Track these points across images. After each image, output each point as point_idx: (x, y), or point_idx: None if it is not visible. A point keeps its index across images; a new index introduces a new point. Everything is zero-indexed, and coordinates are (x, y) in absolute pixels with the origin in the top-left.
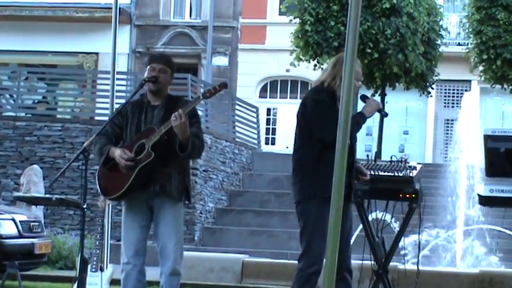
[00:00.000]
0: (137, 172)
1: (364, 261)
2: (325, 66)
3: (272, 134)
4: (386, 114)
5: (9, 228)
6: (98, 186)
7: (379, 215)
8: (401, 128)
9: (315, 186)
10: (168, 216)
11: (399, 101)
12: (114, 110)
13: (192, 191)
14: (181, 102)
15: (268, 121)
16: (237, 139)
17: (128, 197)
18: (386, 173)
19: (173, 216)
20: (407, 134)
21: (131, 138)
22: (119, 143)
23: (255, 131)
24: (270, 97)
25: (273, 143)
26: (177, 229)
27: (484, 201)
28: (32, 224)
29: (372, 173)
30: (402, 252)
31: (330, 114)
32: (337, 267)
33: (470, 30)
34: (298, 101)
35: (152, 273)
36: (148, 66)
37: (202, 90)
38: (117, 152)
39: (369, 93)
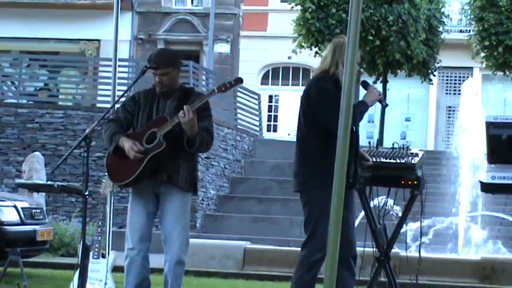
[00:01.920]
0: (147, 160)
1: (366, 248)
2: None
3: (274, 121)
4: (386, 105)
5: (11, 215)
6: (107, 171)
7: (381, 201)
8: (403, 115)
9: (321, 175)
10: (174, 205)
11: (401, 88)
12: (116, 96)
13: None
14: (194, 94)
15: (270, 108)
16: (238, 126)
17: (136, 184)
18: (388, 160)
19: (179, 204)
20: (409, 121)
21: (141, 126)
22: (129, 130)
23: (257, 118)
24: (271, 84)
25: (274, 130)
26: (182, 218)
27: (486, 188)
28: (34, 211)
29: (374, 160)
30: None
31: (336, 103)
32: (341, 253)
33: (472, 17)
34: (300, 88)
35: (156, 261)
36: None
37: (204, 78)
38: (127, 143)
39: (370, 80)
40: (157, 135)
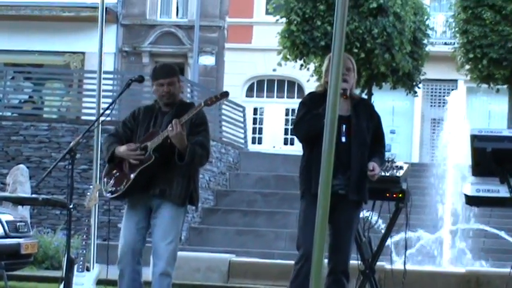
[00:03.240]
0: (137, 174)
1: (351, 261)
2: (311, 66)
3: (259, 134)
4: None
5: None
6: (106, 183)
7: (366, 214)
8: (388, 127)
9: (303, 186)
10: (164, 218)
11: (386, 101)
12: (101, 109)
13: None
14: (192, 108)
15: (255, 120)
16: (223, 139)
17: (129, 197)
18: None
19: (169, 218)
20: (394, 133)
21: (139, 141)
22: None
23: (242, 131)
24: (256, 96)
25: (259, 143)
26: (172, 230)
27: (471, 201)
28: (18, 224)
29: None
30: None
31: (303, 114)
32: (331, 268)
33: (456, 29)
34: (285, 100)
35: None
36: (155, 82)
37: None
38: (122, 148)
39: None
40: (148, 149)
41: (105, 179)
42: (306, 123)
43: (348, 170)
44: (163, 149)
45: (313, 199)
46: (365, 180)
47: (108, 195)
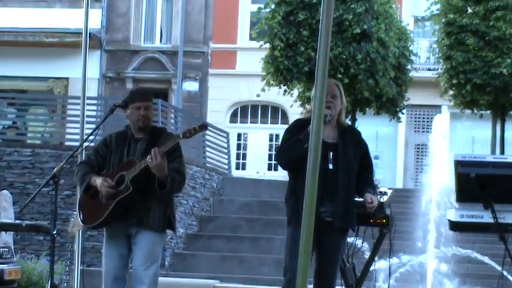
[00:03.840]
0: (115, 204)
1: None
2: (295, 91)
3: (243, 159)
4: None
5: None
6: (78, 213)
7: (350, 239)
8: (372, 152)
9: (291, 211)
10: (144, 244)
11: (369, 126)
12: (84, 135)
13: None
14: (164, 135)
15: (238, 146)
16: (207, 164)
17: (107, 226)
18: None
19: (149, 242)
20: (377, 159)
21: (113, 169)
22: (101, 173)
23: (226, 156)
24: (240, 122)
25: (243, 168)
26: (152, 255)
27: (455, 226)
28: (1, 250)
29: None
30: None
31: (285, 140)
32: None
33: (440, 55)
34: (269, 126)
35: None
36: (131, 105)
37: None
38: (98, 180)
39: None
40: (126, 179)
41: (81, 209)
42: (287, 149)
43: (335, 198)
44: (141, 179)
45: (298, 226)
46: (352, 208)
47: (86, 225)
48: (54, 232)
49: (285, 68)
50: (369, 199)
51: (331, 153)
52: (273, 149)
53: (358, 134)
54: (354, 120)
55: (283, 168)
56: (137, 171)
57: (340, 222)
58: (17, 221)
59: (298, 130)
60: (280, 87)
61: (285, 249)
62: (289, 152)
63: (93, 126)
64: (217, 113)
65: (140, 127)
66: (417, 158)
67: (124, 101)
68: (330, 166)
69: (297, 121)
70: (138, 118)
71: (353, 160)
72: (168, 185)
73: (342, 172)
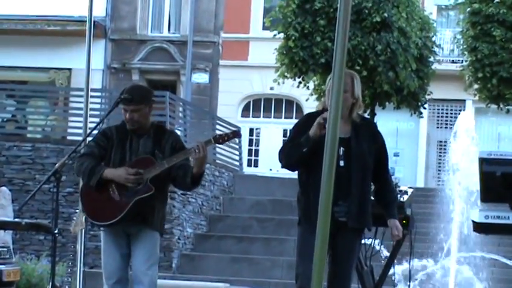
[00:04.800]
0: (133, 203)
1: None
2: (310, 84)
3: (255, 156)
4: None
5: None
6: (82, 207)
7: (368, 241)
8: (391, 149)
9: (302, 211)
10: (145, 244)
11: (389, 121)
12: (88, 129)
13: (170, 216)
14: (167, 134)
15: (250, 142)
16: (217, 161)
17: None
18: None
19: (150, 242)
20: (397, 156)
21: (114, 165)
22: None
23: (237, 153)
24: (252, 116)
25: (255, 165)
26: (152, 256)
27: (479, 228)
28: None
29: None
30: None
31: (287, 141)
32: None
33: (464, 47)
34: (283, 120)
35: None
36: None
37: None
38: (120, 171)
39: None
40: (144, 178)
41: (86, 205)
42: (287, 152)
43: (348, 196)
44: (160, 178)
45: (310, 226)
46: (367, 207)
47: (97, 222)
48: (56, 231)
49: (300, 59)
50: (395, 230)
51: (342, 149)
52: None
53: (374, 126)
54: (373, 114)
55: (284, 166)
56: (159, 171)
57: (354, 222)
58: (16, 219)
59: (307, 126)
60: (294, 80)
61: (296, 252)
62: (288, 156)
63: (97, 119)
64: (228, 106)
65: (130, 129)
66: (439, 156)
67: (121, 94)
68: (342, 163)
69: (307, 115)
70: (126, 120)
71: (367, 156)
72: (200, 180)
73: (355, 169)
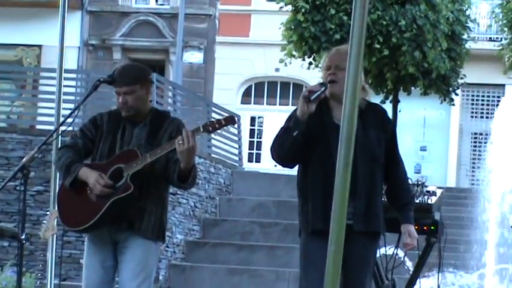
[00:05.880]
0: (110, 204)
1: None
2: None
3: (257, 149)
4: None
5: None
6: (58, 211)
7: (390, 251)
8: (417, 143)
9: (300, 220)
10: (134, 254)
11: (415, 110)
12: (61, 117)
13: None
14: (168, 120)
15: (252, 133)
16: (213, 155)
17: (91, 231)
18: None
19: (140, 252)
20: (425, 150)
21: (101, 158)
22: (87, 159)
23: (236, 146)
24: (254, 103)
25: (257, 161)
26: (143, 269)
27: None
28: None
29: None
30: None
31: (281, 129)
32: None
33: (504, 22)
34: (290, 108)
35: None
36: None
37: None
38: (92, 176)
39: (377, 99)
40: (124, 174)
41: (61, 207)
42: (277, 142)
43: (355, 194)
44: (143, 175)
45: (309, 234)
46: (376, 206)
47: (69, 227)
48: (23, 237)
49: (310, 35)
50: (407, 237)
51: None
52: None
53: (384, 112)
54: (395, 102)
55: (277, 162)
56: (140, 166)
57: (360, 224)
58: None
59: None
60: (304, 60)
61: (299, 263)
62: (279, 145)
63: (72, 105)
64: (225, 91)
65: (125, 116)
66: (474, 151)
67: (111, 76)
68: None
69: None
70: (119, 106)
71: (376, 147)
72: (191, 178)
73: (361, 163)
